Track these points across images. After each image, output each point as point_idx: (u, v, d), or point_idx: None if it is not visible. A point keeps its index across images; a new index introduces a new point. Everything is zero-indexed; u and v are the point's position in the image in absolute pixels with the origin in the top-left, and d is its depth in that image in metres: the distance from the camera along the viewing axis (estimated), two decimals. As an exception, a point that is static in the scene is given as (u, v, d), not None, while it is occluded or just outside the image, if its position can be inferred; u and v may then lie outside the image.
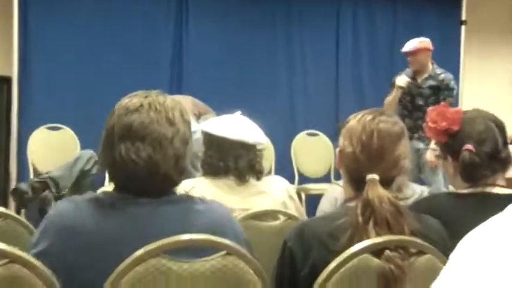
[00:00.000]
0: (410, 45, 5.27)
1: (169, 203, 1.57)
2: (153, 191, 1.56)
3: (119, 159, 1.54)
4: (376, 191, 1.61)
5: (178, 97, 5.05)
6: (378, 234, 1.56)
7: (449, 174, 2.11)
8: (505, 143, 2.05)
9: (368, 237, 1.56)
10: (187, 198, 1.65)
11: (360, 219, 1.59)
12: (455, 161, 2.04)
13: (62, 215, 1.54)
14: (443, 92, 5.18)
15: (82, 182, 5.00)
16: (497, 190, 2.00)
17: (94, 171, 5.05)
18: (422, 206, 2.01)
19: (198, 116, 4.86)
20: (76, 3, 5.80)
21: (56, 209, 1.58)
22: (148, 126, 1.54)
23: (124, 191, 1.58)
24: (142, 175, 1.54)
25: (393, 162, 1.68)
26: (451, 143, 2.06)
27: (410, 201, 2.14)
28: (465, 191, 2.04)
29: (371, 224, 1.58)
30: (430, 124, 2.09)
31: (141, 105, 1.57)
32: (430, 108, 2.14)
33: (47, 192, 4.65)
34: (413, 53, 5.24)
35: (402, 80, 5.22)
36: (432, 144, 5.03)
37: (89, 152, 5.12)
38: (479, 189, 2.01)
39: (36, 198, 4.63)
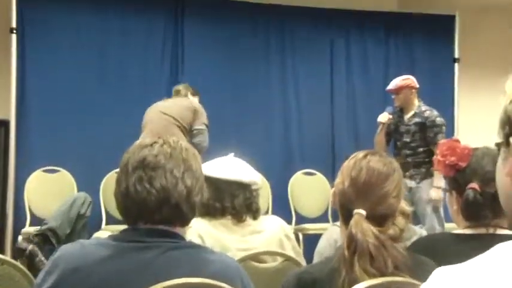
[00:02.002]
0: (393, 83, 5.37)
1: (177, 248, 1.57)
2: (159, 231, 1.58)
3: (132, 189, 1.57)
4: (360, 225, 1.62)
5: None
6: (361, 268, 1.57)
7: (452, 209, 2.09)
8: None
9: (353, 272, 1.56)
10: (197, 246, 1.67)
11: (346, 253, 1.60)
12: (459, 197, 2.03)
13: (68, 256, 1.54)
14: (431, 129, 5.21)
15: (77, 225, 4.97)
16: (499, 231, 1.97)
17: (88, 213, 5.02)
18: (419, 246, 2.00)
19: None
20: (72, 49, 5.87)
21: (62, 250, 1.58)
22: (161, 159, 1.59)
23: (132, 231, 1.60)
24: (154, 205, 1.56)
25: (380, 198, 1.70)
26: (457, 179, 2.05)
27: (409, 243, 2.14)
28: (465, 231, 2.02)
29: (356, 258, 1.58)
30: (439, 157, 2.08)
31: (155, 142, 1.63)
32: (440, 142, 2.13)
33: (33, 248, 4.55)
34: (396, 91, 5.33)
35: (383, 116, 5.32)
36: (435, 183, 5.05)
37: (83, 195, 5.08)
38: (481, 230, 1.98)
39: (38, 253, 4.55)
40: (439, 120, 5.27)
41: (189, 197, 1.59)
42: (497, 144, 0.92)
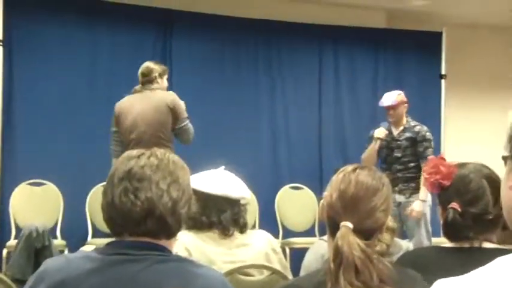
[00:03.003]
0: (389, 99, 5.36)
1: (164, 261, 1.56)
2: (145, 244, 1.57)
3: (117, 200, 1.56)
4: (346, 238, 1.62)
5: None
6: (346, 281, 1.57)
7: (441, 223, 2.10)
8: (497, 202, 2.01)
9: (338, 285, 1.56)
10: (183, 259, 1.65)
11: (332, 265, 1.60)
12: (444, 214, 2.04)
13: (52, 270, 1.53)
14: (421, 144, 5.25)
15: (41, 260, 4.31)
16: (486, 245, 1.97)
17: (47, 242, 4.54)
18: (406, 260, 2.00)
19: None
20: (61, 61, 5.86)
21: (46, 264, 1.57)
22: (147, 170, 1.59)
23: (118, 244, 1.59)
24: (139, 217, 1.55)
25: (367, 212, 1.70)
26: (441, 196, 2.07)
27: (395, 257, 2.14)
28: (451, 245, 2.03)
29: (341, 270, 1.58)
30: (425, 175, 2.10)
31: (143, 154, 1.63)
32: (429, 158, 2.14)
33: None
34: (394, 107, 5.34)
35: (380, 131, 5.32)
36: (421, 195, 5.09)
37: (33, 228, 4.50)
38: (465, 244, 1.99)
39: None
40: (429, 135, 5.32)
41: (175, 209, 1.58)
42: (504, 158, 0.94)
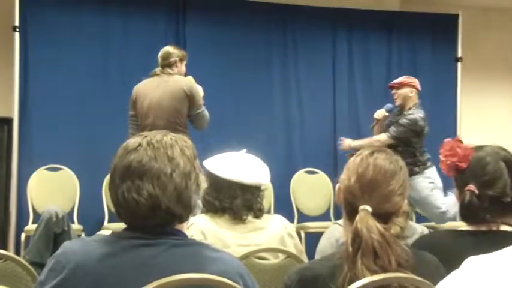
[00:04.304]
0: (397, 79, 5.44)
1: (180, 245, 1.57)
2: (159, 228, 1.57)
3: (122, 200, 1.56)
4: (365, 221, 1.62)
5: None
6: (364, 265, 1.57)
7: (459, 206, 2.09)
8: None
9: (355, 269, 1.56)
10: (199, 243, 1.65)
11: (350, 249, 1.59)
12: (460, 197, 2.03)
13: (70, 254, 1.54)
14: (396, 122, 5.27)
15: (59, 245, 4.20)
16: (504, 228, 1.97)
17: (66, 228, 4.39)
18: (423, 243, 2.00)
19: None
20: (75, 47, 5.89)
21: (64, 247, 1.58)
22: (146, 163, 1.56)
23: (135, 229, 1.59)
24: (145, 213, 1.55)
25: (385, 196, 1.69)
26: (458, 179, 2.06)
27: (410, 240, 2.14)
28: (468, 228, 2.03)
29: (359, 254, 1.58)
30: (441, 157, 2.08)
31: (140, 145, 1.59)
32: (445, 140, 2.12)
33: None
34: (398, 85, 5.35)
35: (379, 113, 5.41)
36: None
37: (53, 212, 4.32)
38: (482, 227, 1.98)
39: None
40: (411, 119, 5.24)
41: (181, 197, 1.57)
42: None
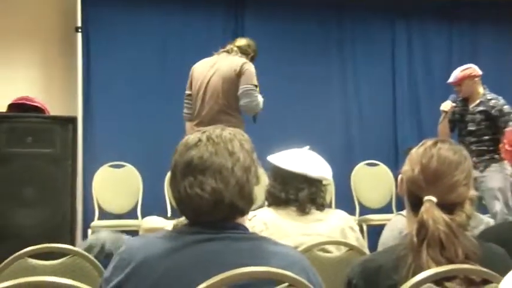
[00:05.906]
0: (453, 75, 5.29)
1: (242, 239, 1.58)
2: (221, 222, 1.58)
3: (184, 195, 1.57)
4: (431, 212, 1.60)
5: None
6: (429, 257, 1.54)
7: None
8: None
9: (420, 260, 1.54)
10: (261, 237, 1.66)
11: (415, 240, 1.58)
12: None
13: (134, 250, 1.56)
14: (501, 119, 5.09)
15: None
16: None
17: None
18: (490, 234, 1.97)
19: None
20: (135, 46, 6.00)
21: (127, 244, 1.60)
22: (207, 159, 1.57)
23: (196, 224, 1.60)
24: (209, 208, 1.56)
25: (450, 187, 1.67)
26: None
27: (476, 231, 2.10)
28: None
29: (424, 245, 1.56)
30: (506, 147, 2.04)
31: (200, 140, 1.61)
32: (507, 130, 2.07)
33: None
34: (456, 83, 5.24)
35: (446, 105, 5.24)
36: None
37: (101, 240, 3.33)
38: None
39: None
40: (507, 108, 5.15)
41: (243, 191, 1.58)
42: None
